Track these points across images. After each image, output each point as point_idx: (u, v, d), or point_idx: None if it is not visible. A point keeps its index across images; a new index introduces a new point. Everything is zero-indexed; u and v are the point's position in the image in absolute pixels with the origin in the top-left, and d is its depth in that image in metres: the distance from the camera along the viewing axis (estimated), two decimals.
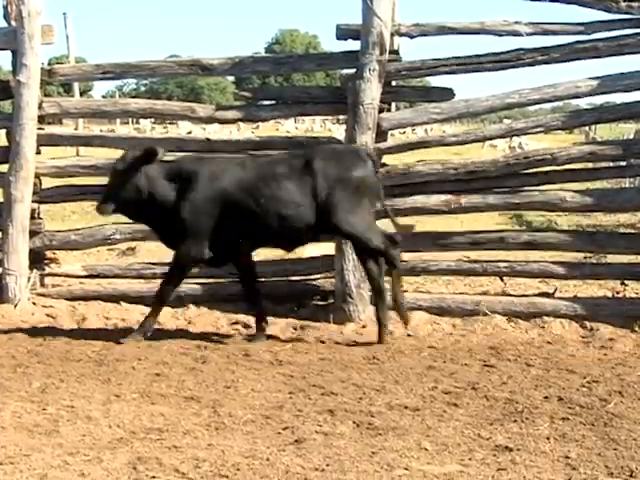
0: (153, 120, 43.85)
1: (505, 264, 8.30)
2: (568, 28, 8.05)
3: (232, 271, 7.91)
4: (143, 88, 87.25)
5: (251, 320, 8.06)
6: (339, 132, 24.47)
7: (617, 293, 8.78)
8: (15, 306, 8.36)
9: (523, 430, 5.25)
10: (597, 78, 8.10)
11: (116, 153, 9.10)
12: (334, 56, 8.62)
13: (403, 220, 8.49)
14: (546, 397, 5.92)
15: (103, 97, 37.20)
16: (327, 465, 4.68)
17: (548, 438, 5.10)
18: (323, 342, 7.57)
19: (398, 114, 8.54)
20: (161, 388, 6.15)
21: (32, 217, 8.56)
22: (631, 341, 7.50)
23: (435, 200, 8.17)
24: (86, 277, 8.78)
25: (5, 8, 8.59)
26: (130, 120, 47.34)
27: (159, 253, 11.09)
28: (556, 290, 8.59)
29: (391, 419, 5.43)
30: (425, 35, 8.19)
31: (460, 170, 8.14)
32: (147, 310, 8.28)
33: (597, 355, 7.16)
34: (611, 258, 9.13)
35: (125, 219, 7.93)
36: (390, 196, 8.14)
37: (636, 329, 7.72)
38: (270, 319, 7.96)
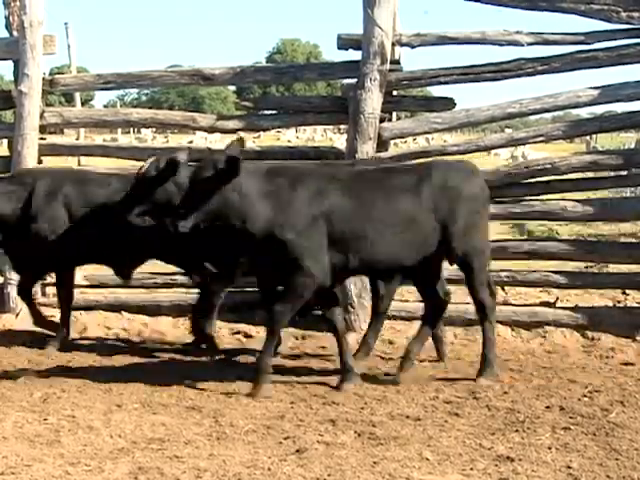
0: (154, 130, 44.06)
1: (506, 273, 8.29)
2: (569, 38, 8.06)
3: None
4: (144, 98, 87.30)
5: (252, 329, 8.07)
6: (340, 142, 24.49)
7: (618, 302, 8.78)
8: (17, 315, 8.36)
9: (525, 440, 5.24)
10: (598, 88, 8.11)
11: (117, 163, 9.14)
12: (335, 66, 8.64)
13: None
14: (548, 407, 5.92)
15: (104, 107, 37.25)
16: (329, 475, 4.67)
17: (550, 448, 5.10)
18: (324, 352, 7.57)
19: (399, 124, 8.54)
20: (162, 398, 6.15)
21: None
22: (632, 350, 7.50)
23: None
24: (87, 287, 8.77)
25: (7, 18, 8.62)
26: (131, 130, 47.38)
27: (161, 263, 11.10)
28: (557, 300, 8.58)
29: (392, 429, 5.43)
30: (426, 45, 8.20)
31: None
32: (148, 319, 8.29)
33: (598, 364, 7.16)
34: (612, 267, 9.13)
35: None
36: None
37: (637, 338, 7.72)
38: None
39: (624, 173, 9.27)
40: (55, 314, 8.40)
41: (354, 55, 8.20)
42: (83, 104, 29.87)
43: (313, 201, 6.29)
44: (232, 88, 70.55)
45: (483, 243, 6.71)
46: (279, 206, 6.24)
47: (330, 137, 50.38)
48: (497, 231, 13.11)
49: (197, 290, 7.71)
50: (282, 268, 6.29)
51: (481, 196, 6.71)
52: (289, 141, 41.37)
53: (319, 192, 6.33)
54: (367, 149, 7.99)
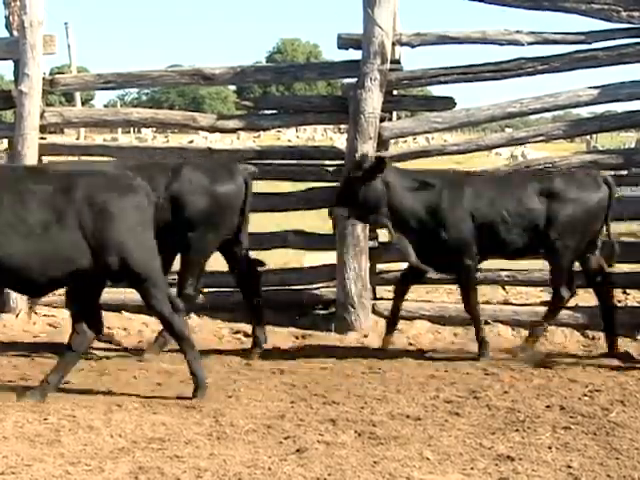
0: (155, 129, 44.05)
1: (507, 273, 8.29)
2: (569, 37, 8.07)
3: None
4: (144, 97, 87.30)
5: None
6: (340, 141, 24.46)
7: (619, 302, 8.75)
8: (17, 316, 8.36)
9: (525, 439, 5.24)
10: (598, 87, 8.11)
11: None
12: (335, 65, 8.65)
13: None
14: (548, 406, 5.92)
15: (105, 106, 37.24)
16: (329, 474, 4.67)
17: (550, 447, 5.10)
18: (325, 351, 7.57)
19: (399, 123, 8.55)
20: (162, 397, 6.15)
21: None
22: (633, 350, 7.50)
23: None
24: None
25: (7, 18, 8.62)
26: (132, 129, 47.38)
27: None
28: None
29: (393, 428, 5.42)
30: (426, 44, 8.21)
31: None
32: (148, 319, 8.28)
33: (599, 364, 7.15)
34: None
35: None
36: None
37: (638, 338, 7.71)
38: (271, 328, 7.96)
39: (624, 172, 9.27)
40: (56, 314, 8.41)
41: (354, 55, 8.21)
42: (83, 104, 29.85)
43: None
44: (232, 88, 70.56)
45: (147, 259, 6.11)
46: None
47: (330, 137, 50.37)
48: None
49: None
50: None
51: (134, 213, 6.05)
52: (289, 140, 41.31)
53: None
54: (367, 149, 7.99)
